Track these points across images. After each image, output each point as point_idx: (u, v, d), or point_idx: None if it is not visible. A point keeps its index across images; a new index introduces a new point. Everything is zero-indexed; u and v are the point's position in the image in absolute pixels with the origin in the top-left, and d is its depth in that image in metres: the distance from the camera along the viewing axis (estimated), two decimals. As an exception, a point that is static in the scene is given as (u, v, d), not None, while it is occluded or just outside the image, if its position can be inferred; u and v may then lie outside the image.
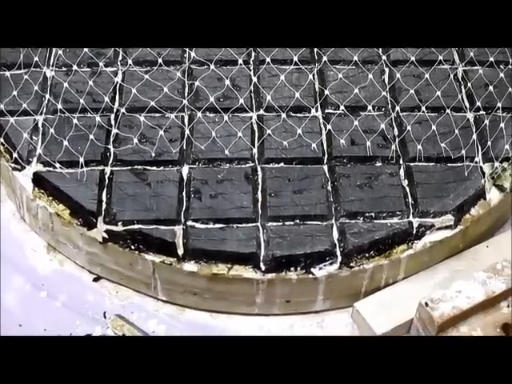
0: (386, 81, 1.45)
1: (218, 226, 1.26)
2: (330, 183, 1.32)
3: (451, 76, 1.44)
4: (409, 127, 1.37)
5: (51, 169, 1.31)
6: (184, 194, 1.30)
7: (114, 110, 1.39)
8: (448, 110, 1.38)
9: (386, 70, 1.47)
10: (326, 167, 1.34)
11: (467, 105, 1.42)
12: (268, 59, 1.41)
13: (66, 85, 1.38)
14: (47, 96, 1.40)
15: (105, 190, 1.30)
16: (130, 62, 1.42)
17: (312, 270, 1.25)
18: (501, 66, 1.44)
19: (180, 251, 1.25)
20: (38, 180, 1.32)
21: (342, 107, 1.39)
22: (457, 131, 1.35)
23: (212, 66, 1.40)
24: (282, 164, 1.34)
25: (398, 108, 1.40)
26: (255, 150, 1.35)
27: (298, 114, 1.40)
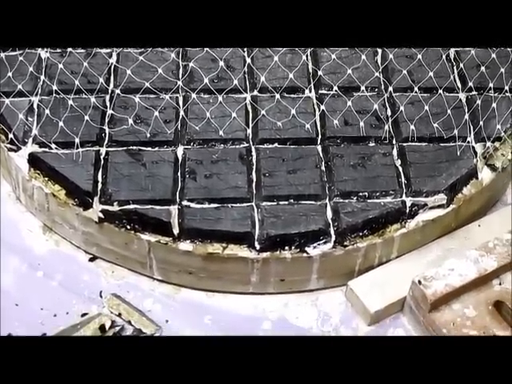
0: (379, 62, 1.46)
1: (212, 205, 1.27)
2: (323, 163, 1.33)
3: (443, 57, 1.45)
4: (402, 108, 1.37)
5: (47, 149, 1.32)
6: (179, 174, 1.30)
7: (109, 91, 1.39)
8: (440, 91, 1.39)
9: (379, 50, 1.47)
10: (319, 147, 1.35)
11: (459, 85, 1.44)
12: (262, 40, 1.42)
13: (60, 66, 1.38)
14: (42, 77, 1.40)
15: (100, 170, 1.30)
16: (124, 43, 1.43)
17: (306, 248, 1.26)
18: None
19: (175, 231, 1.26)
20: (34, 161, 1.32)
21: (335, 88, 1.40)
22: (449, 111, 1.36)
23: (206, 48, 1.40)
24: (276, 144, 1.35)
25: (390, 88, 1.41)
26: (249, 131, 1.36)
27: (292, 95, 1.40)
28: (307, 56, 1.45)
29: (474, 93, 1.41)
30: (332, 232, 1.26)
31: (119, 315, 1.27)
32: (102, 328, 1.24)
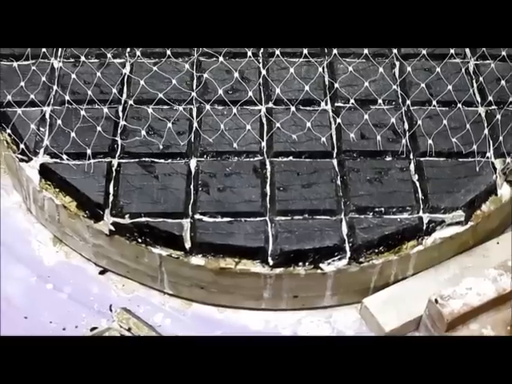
0: (397, 74, 1.44)
1: (225, 219, 1.25)
2: (339, 177, 1.31)
3: (463, 70, 1.43)
4: (419, 121, 1.35)
5: (58, 160, 1.30)
6: (192, 187, 1.29)
7: (122, 102, 1.38)
8: (459, 105, 1.37)
9: (397, 63, 1.45)
10: (335, 161, 1.33)
11: (479, 99, 1.41)
12: (277, 52, 1.40)
13: (73, 76, 1.37)
14: (55, 87, 1.39)
15: (112, 182, 1.29)
16: (138, 53, 1.41)
17: (320, 265, 1.24)
18: (513, 61, 1.43)
19: (187, 245, 1.24)
20: (45, 171, 1.31)
21: (351, 101, 1.38)
22: (468, 126, 1.34)
23: (221, 58, 1.39)
24: (290, 158, 1.33)
25: (408, 102, 1.39)
26: (264, 144, 1.34)
27: (308, 108, 1.38)
28: (323, 68, 1.43)
29: (493, 107, 1.39)
30: (347, 248, 1.24)
31: (129, 330, 1.26)
32: (111, 343, 1.22)
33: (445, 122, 1.34)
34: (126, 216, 1.25)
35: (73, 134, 1.31)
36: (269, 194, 1.29)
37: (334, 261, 1.24)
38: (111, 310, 1.29)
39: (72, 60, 1.43)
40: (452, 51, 1.42)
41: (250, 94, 1.37)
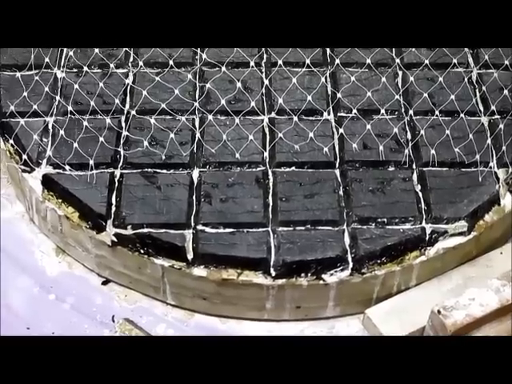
0: (400, 84, 1.44)
1: (228, 230, 1.25)
2: (341, 188, 1.30)
3: (465, 79, 1.42)
4: (422, 131, 1.35)
5: (61, 171, 1.30)
6: (194, 197, 1.29)
7: (125, 112, 1.38)
8: (462, 114, 1.36)
9: (400, 73, 1.45)
10: (337, 171, 1.32)
11: (481, 109, 1.41)
12: (280, 61, 1.40)
13: (76, 86, 1.37)
14: (57, 97, 1.39)
15: (114, 192, 1.29)
16: (140, 63, 1.42)
17: (323, 275, 1.23)
18: (516, 70, 1.42)
19: (189, 256, 1.23)
20: (48, 182, 1.31)
21: (354, 111, 1.37)
22: (471, 136, 1.34)
23: (223, 68, 1.39)
24: (293, 168, 1.33)
25: (411, 112, 1.39)
26: (266, 154, 1.34)
27: (310, 118, 1.38)
28: (326, 78, 1.43)
29: (496, 116, 1.38)
30: (349, 259, 1.24)
31: (131, 340, 1.26)
32: (113, 354, 1.22)
33: (447, 131, 1.34)
34: (129, 227, 1.25)
35: (75, 145, 1.31)
36: (271, 204, 1.28)
37: (336, 272, 1.23)
38: (114, 321, 1.29)
39: (75, 70, 1.43)
40: (455, 60, 1.42)
41: (253, 104, 1.37)
